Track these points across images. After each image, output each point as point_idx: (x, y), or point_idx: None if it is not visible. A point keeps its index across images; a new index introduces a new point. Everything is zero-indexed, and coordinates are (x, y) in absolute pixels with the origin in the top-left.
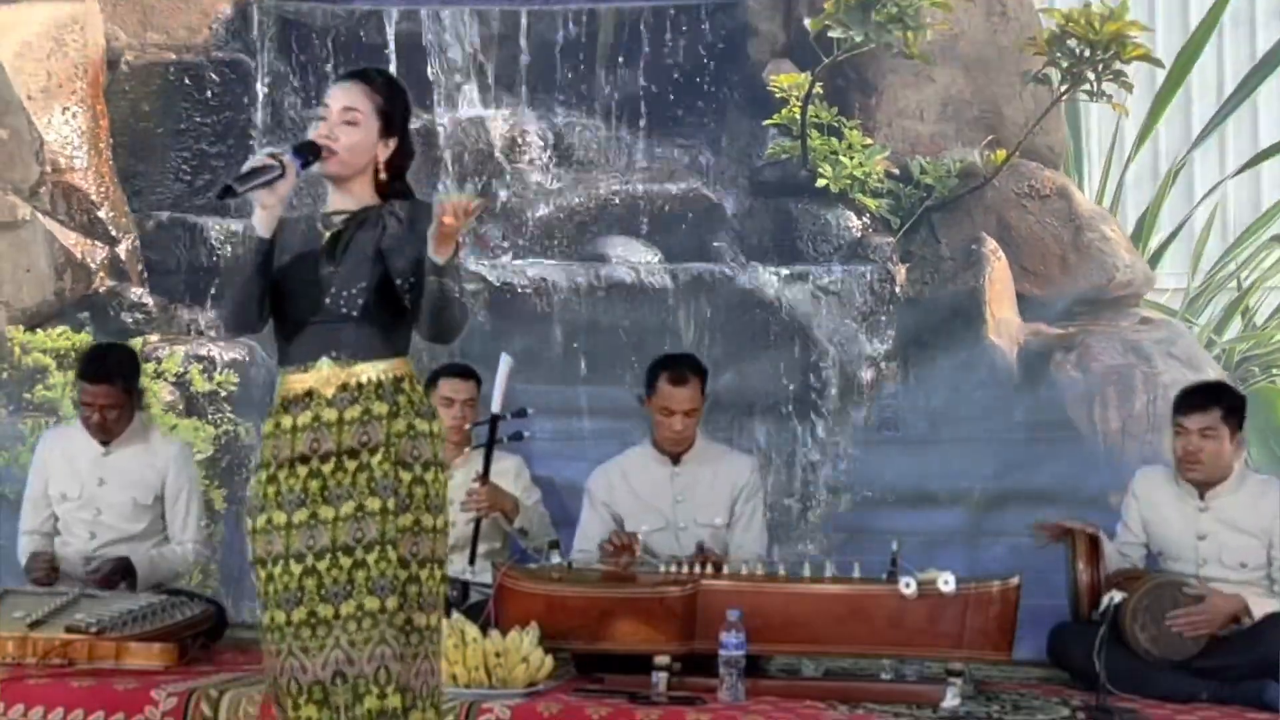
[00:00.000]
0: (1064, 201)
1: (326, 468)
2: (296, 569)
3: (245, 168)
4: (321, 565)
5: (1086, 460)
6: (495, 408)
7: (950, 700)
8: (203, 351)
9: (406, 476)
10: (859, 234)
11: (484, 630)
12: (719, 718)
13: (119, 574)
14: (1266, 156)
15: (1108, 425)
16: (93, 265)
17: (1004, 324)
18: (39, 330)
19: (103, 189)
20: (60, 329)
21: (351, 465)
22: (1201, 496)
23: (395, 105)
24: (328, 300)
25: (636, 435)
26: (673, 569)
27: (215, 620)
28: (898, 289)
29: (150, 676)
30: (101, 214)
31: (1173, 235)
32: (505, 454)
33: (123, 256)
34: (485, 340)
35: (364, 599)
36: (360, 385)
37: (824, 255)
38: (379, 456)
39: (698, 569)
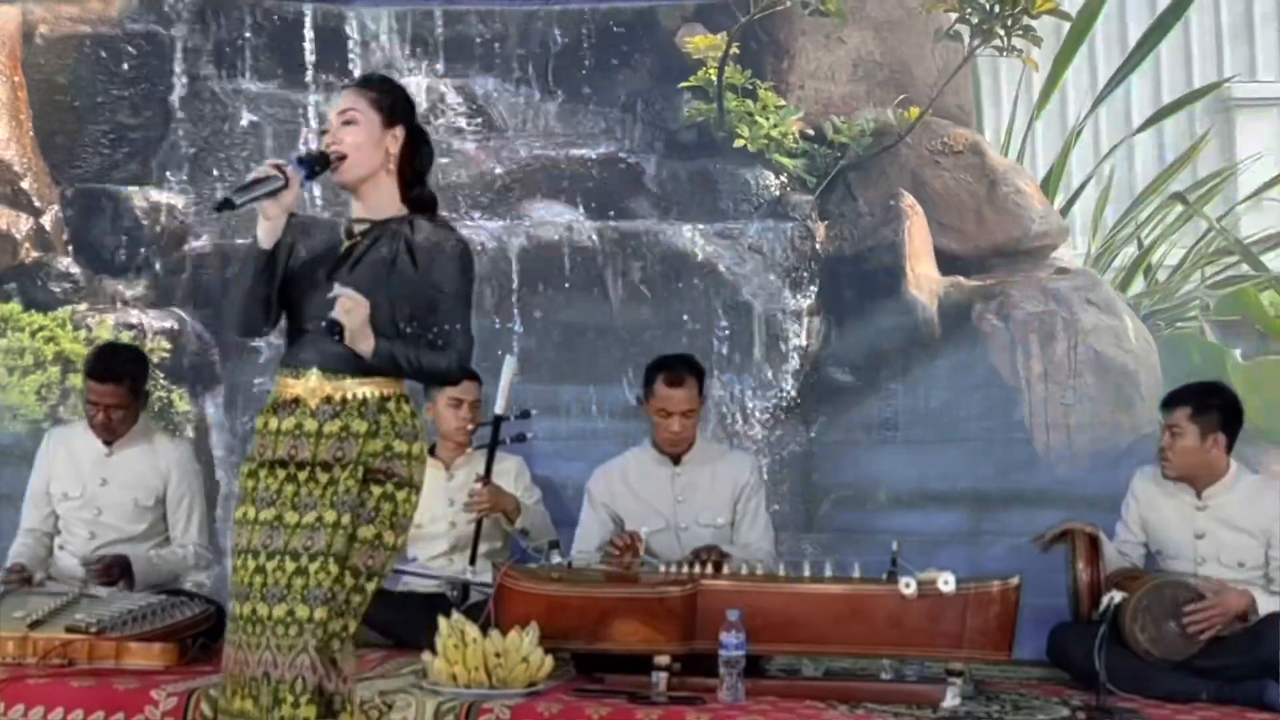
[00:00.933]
0: (977, 157)
1: (302, 475)
2: (251, 564)
3: (247, 179)
4: (270, 565)
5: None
6: (499, 409)
7: (950, 700)
8: (132, 320)
9: (376, 491)
10: (778, 193)
11: (484, 630)
12: (719, 718)
13: (117, 569)
14: (1165, 115)
15: (1030, 372)
16: (18, 236)
17: (923, 278)
18: None
19: (25, 160)
20: None
21: (324, 478)
22: (1199, 496)
23: (391, 96)
24: (324, 321)
25: (562, 396)
26: (673, 569)
27: (215, 620)
28: (818, 245)
29: (150, 676)
30: (25, 185)
31: (1076, 193)
32: (506, 455)
33: (47, 227)
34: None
35: (296, 605)
36: (344, 400)
37: (744, 214)
38: (347, 472)
39: (697, 569)
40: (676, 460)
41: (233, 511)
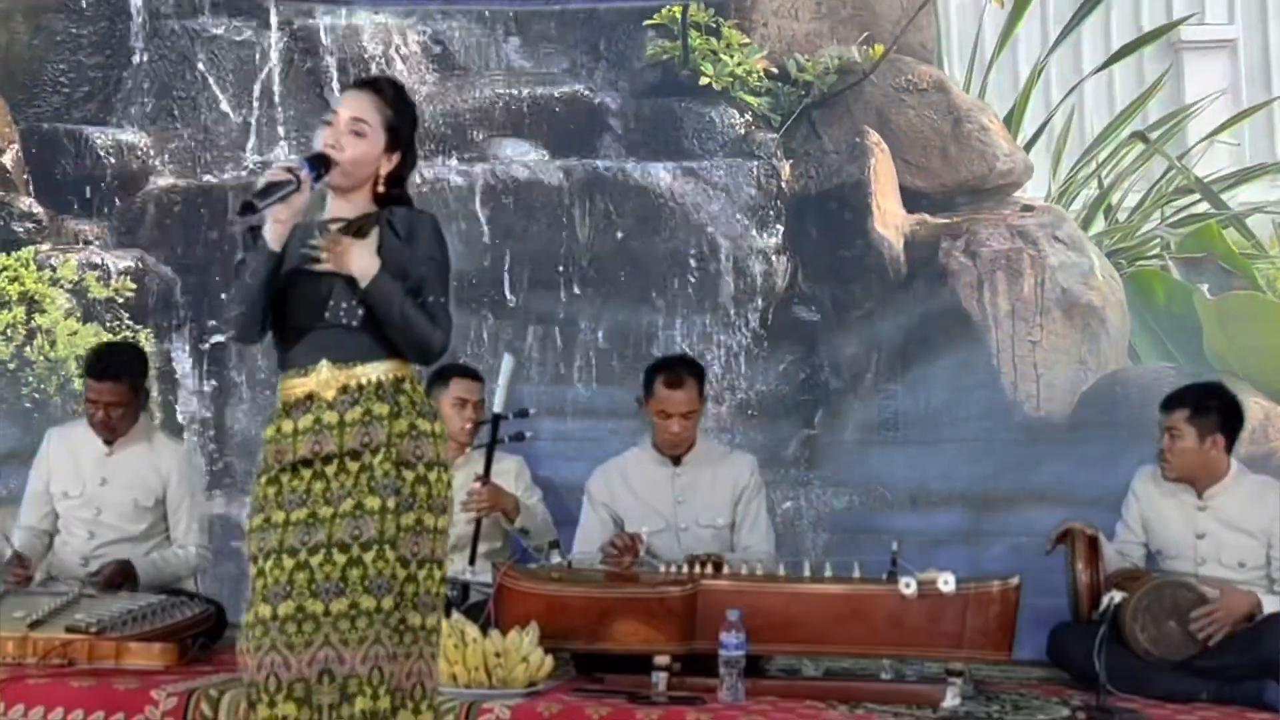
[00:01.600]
0: (941, 95)
1: (330, 469)
2: (289, 563)
3: (262, 182)
4: (315, 560)
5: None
6: (497, 407)
7: (950, 700)
8: (96, 260)
9: (410, 475)
10: (743, 131)
11: (484, 630)
12: (719, 718)
13: (120, 577)
14: (1121, 56)
15: (998, 310)
16: None
17: (889, 215)
18: None
19: None
20: None
21: (354, 466)
22: (1200, 496)
23: (404, 120)
24: (328, 313)
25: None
26: (672, 570)
27: (215, 620)
28: (783, 183)
29: (150, 676)
30: None
31: (1037, 134)
32: (506, 454)
33: (9, 166)
34: None
35: (359, 597)
36: (360, 386)
37: (710, 152)
38: (380, 456)
39: (697, 569)
40: (677, 461)
41: (246, 523)
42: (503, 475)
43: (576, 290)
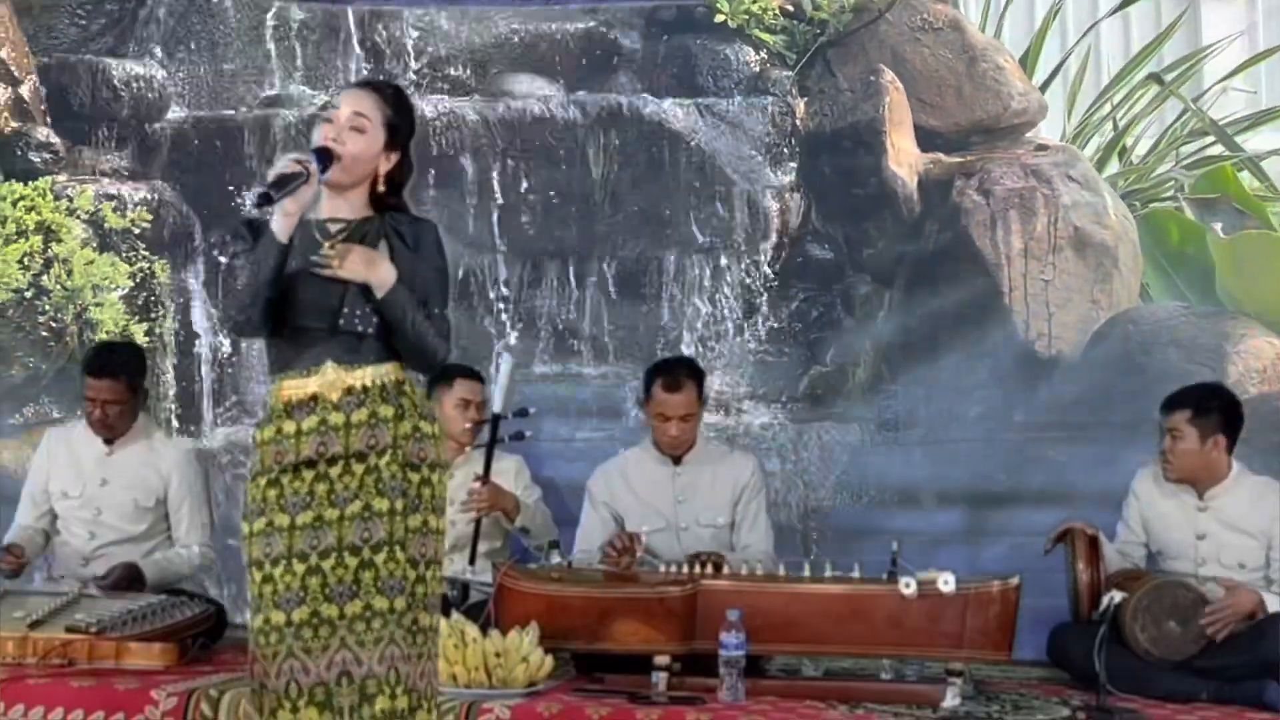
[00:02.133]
0: (956, 33)
1: (334, 471)
2: (300, 568)
3: (275, 173)
4: (326, 564)
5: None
6: (496, 407)
7: (950, 700)
8: (113, 190)
9: (415, 478)
10: (758, 69)
11: (484, 630)
12: (719, 718)
13: (128, 581)
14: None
15: (1010, 248)
16: None
17: (904, 153)
18: None
19: (1, 30)
20: None
21: (359, 469)
22: (1200, 497)
23: (403, 119)
24: (341, 320)
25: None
26: (672, 569)
27: (215, 620)
28: (798, 122)
29: (150, 676)
30: (2, 55)
31: (1053, 74)
32: (505, 454)
33: (26, 97)
34: None
35: (373, 599)
36: (365, 389)
37: (725, 90)
38: (386, 458)
39: (697, 569)
40: (677, 460)
41: (243, 526)
42: (503, 475)
43: (590, 227)
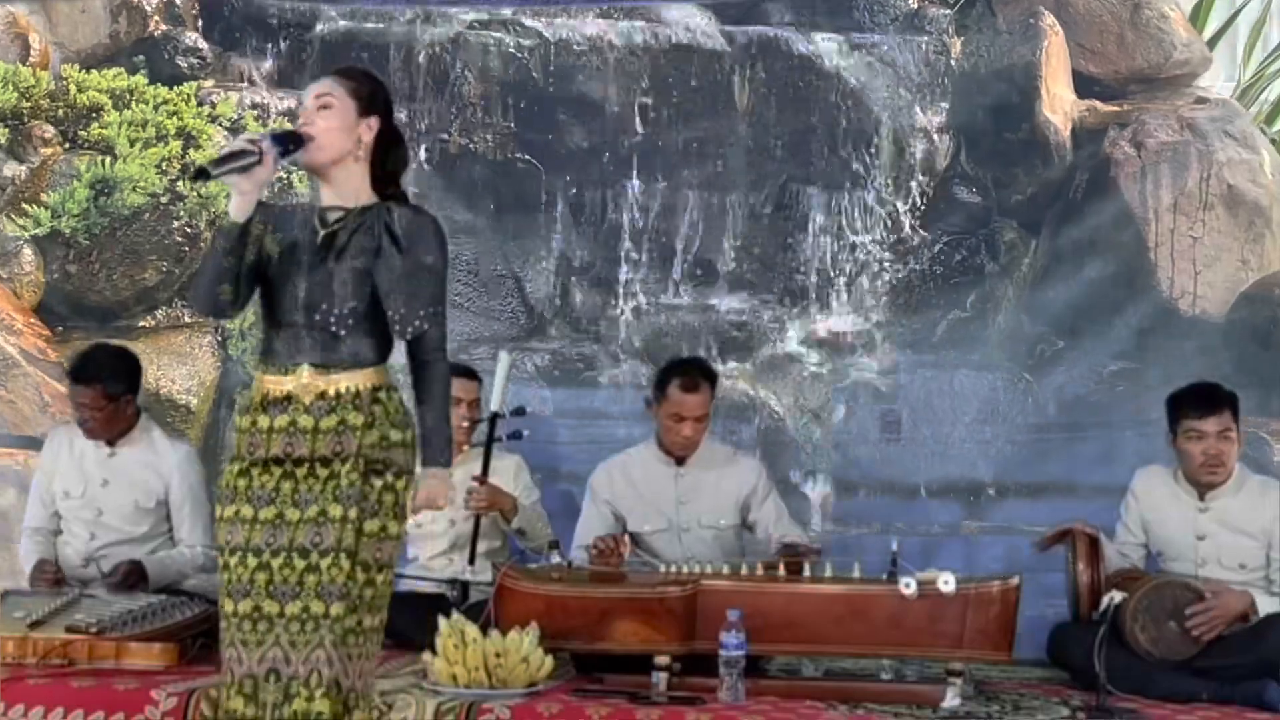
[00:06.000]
0: None
1: (300, 472)
2: (252, 562)
3: (223, 152)
4: (275, 563)
5: None
6: (495, 406)
7: (950, 700)
8: (257, 99)
9: (378, 483)
10: (915, 5)
11: (484, 630)
12: (719, 718)
13: (134, 577)
14: None
15: (1159, 203)
16: (148, 8)
17: (1058, 99)
18: (94, 70)
19: None
20: (115, 70)
21: (323, 473)
22: (1201, 497)
23: (369, 86)
24: (318, 316)
25: None
26: (673, 569)
27: (215, 620)
28: (952, 62)
29: (150, 676)
30: None
31: (1223, 28)
32: (504, 454)
33: (178, 1)
34: (537, 113)
35: (311, 602)
36: (338, 395)
37: (880, 26)
38: (348, 466)
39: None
40: (681, 461)
41: (217, 509)
42: (502, 475)
43: (730, 159)
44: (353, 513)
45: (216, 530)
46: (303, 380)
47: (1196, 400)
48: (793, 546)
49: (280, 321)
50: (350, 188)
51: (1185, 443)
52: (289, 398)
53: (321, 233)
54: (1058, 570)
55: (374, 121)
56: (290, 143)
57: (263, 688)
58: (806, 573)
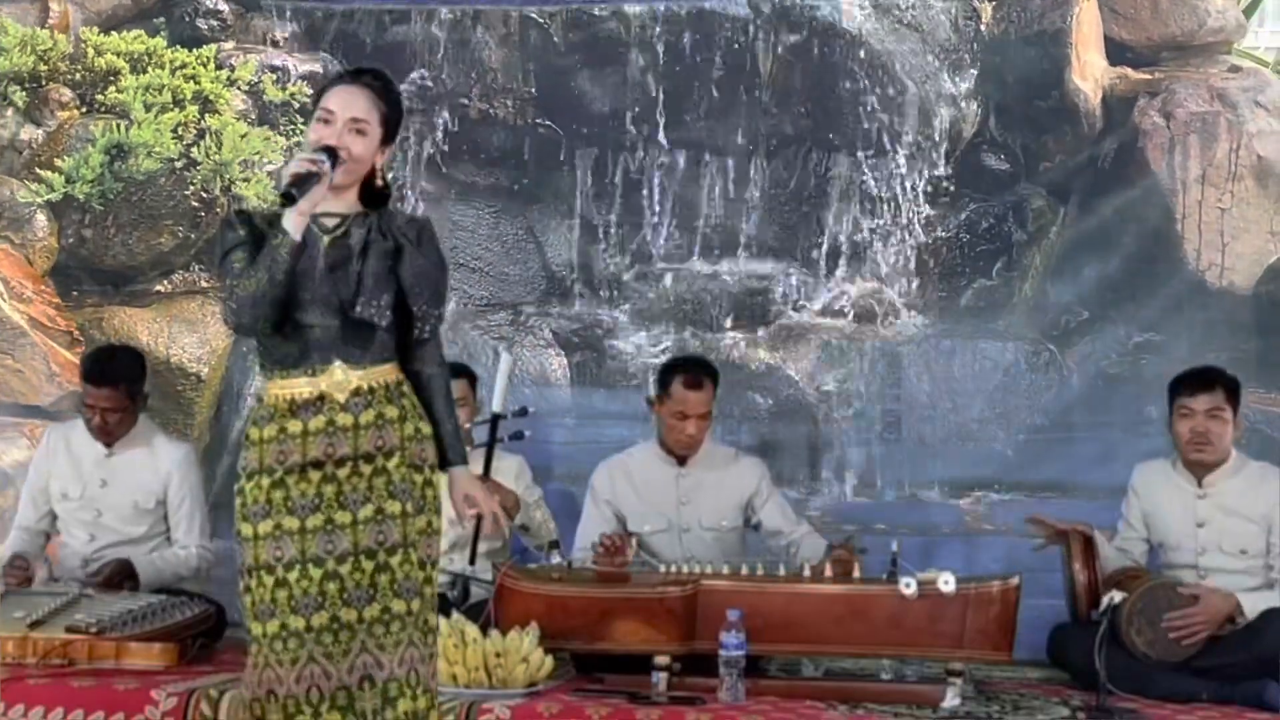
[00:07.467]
0: None
1: (342, 472)
2: (316, 573)
3: (290, 173)
4: (344, 569)
5: None
6: (496, 406)
7: (950, 700)
8: (277, 62)
9: (419, 479)
10: None
11: (484, 630)
12: (719, 718)
13: (120, 576)
14: None
15: (1188, 174)
16: None
17: (1089, 66)
18: (113, 33)
19: None
20: (135, 32)
21: (367, 470)
22: (1200, 483)
23: (396, 113)
24: (358, 309)
25: None
26: (673, 569)
27: (215, 620)
28: (982, 27)
29: (150, 676)
30: None
31: None
32: (506, 454)
33: None
34: (558, 78)
35: (390, 602)
36: (372, 389)
37: None
38: (395, 460)
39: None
40: (683, 461)
41: (243, 528)
42: (503, 475)
43: (753, 124)
44: (410, 506)
45: (253, 549)
46: (336, 378)
47: (1190, 379)
48: (840, 548)
49: (299, 324)
50: (346, 198)
51: (1177, 422)
52: (321, 398)
53: (326, 239)
54: (1058, 570)
55: (389, 149)
56: (334, 159)
57: (358, 696)
58: (806, 572)
